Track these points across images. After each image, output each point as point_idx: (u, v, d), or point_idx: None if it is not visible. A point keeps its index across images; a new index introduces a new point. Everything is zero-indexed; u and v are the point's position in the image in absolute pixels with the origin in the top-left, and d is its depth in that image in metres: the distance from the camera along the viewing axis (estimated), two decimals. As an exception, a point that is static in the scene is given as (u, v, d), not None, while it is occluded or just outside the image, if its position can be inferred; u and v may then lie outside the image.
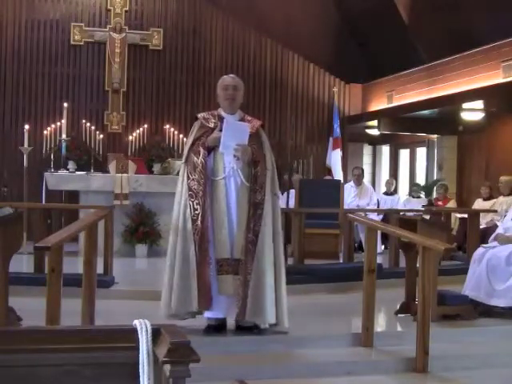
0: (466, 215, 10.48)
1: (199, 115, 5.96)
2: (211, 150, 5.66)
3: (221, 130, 5.63)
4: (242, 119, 5.85)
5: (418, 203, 12.47)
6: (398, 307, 6.79)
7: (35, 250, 6.46)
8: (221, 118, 5.79)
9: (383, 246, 11.68)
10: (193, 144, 5.73)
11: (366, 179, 14.52)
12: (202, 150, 5.64)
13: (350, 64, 14.99)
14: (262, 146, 5.78)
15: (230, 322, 5.77)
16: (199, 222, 5.52)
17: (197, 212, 5.54)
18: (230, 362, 5.19)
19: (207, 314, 5.70)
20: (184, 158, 5.77)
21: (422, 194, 13.25)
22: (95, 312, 5.64)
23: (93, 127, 12.65)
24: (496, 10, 11.43)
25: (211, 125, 5.78)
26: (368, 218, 7.15)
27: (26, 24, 13.17)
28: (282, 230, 5.90)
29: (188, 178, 5.62)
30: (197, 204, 5.55)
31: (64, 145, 11.74)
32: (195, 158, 5.64)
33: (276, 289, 5.62)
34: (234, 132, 5.59)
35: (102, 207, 7.94)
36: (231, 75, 6.10)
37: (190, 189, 5.58)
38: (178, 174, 10.82)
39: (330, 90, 14.55)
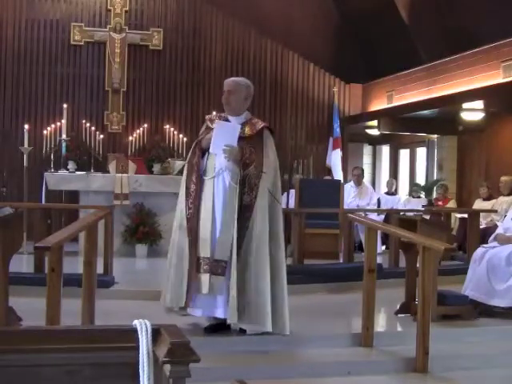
0: (466, 215, 10.48)
1: (206, 116, 6.15)
2: (206, 150, 5.77)
3: None
4: (247, 122, 5.85)
5: (418, 203, 12.48)
6: (398, 307, 6.79)
7: (35, 249, 6.47)
8: (226, 120, 5.88)
9: (384, 246, 11.67)
10: (195, 145, 5.87)
11: (366, 179, 14.52)
12: (197, 151, 5.80)
13: (350, 64, 14.99)
14: (264, 149, 5.76)
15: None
16: (193, 220, 5.64)
17: (191, 211, 5.67)
18: (230, 362, 5.19)
19: (190, 311, 5.74)
20: (187, 158, 5.93)
21: (422, 194, 13.26)
22: (95, 312, 5.64)
23: (93, 127, 12.63)
24: (496, 10, 11.42)
25: (213, 126, 5.84)
26: (368, 218, 7.15)
27: (26, 24, 13.17)
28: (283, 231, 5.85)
29: (187, 177, 5.78)
30: (191, 203, 5.68)
31: (64, 145, 11.74)
32: (192, 158, 5.81)
33: (274, 294, 5.54)
34: (224, 133, 5.69)
35: (101, 207, 7.93)
36: (232, 78, 6.08)
37: (187, 188, 5.74)
38: (178, 174, 11.03)
39: (330, 90, 14.55)
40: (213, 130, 5.74)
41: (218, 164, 5.70)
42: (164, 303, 5.75)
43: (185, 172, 5.86)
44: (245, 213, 5.55)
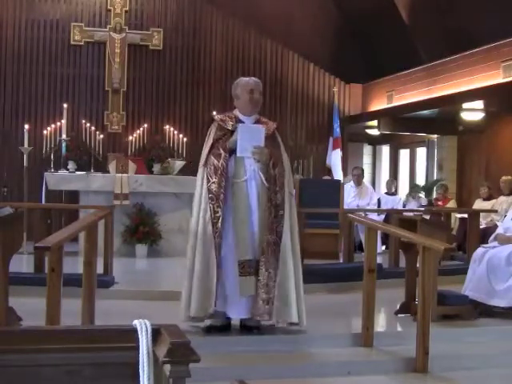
0: (466, 215, 10.48)
1: (216, 117, 5.97)
2: (232, 152, 5.65)
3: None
4: (258, 121, 5.87)
5: (418, 203, 12.49)
6: (398, 307, 6.78)
7: (35, 249, 6.47)
8: (238, 120, 5.80)
9: (384, 246, 11.67)
10: (212, 147, 5.71)
11: (366, 179, 14.51)
12: (222, 153, 5.63)
13: (350, 64, 14.99)
14: (279, 148, 5.83)
15: (234, 322, 5.78)
16: (219, 224, 5.50)
17: (217, 215, 5.51)
18: (230, 362, 5.18)
19: (229, 315, 5.69)
20: (203, 160, 5.71)
21: (422, 194, 13.26)
22: (95, 312, 5.64)
23: (93, 127, 12.65)
24: (496, 10, 11.42)
25: (229, 127, 5.76)
26: (368, 218, 7.15)
27: (26, 24, 13.18)
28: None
29: (208, 180, 5.59)
30: (217, 207, 5.53)
31: (64, 145, 11.74)
32: (215, 161, 5.62)
33: (296, 288, 5.65)
34: (250, 135, 5.63)
35: (102, 207, 7.94)
36: (254, 78, 6.00)
37: (210, 192, 5.56)
38: (178, 173, 11.04)
39: (330, 90, 14.55)
40: (236, 133, 5.62)
41: (249, 166, 5.65)
42: (187, 313, 5.54)
43: (203, 175, 5.65)
44: (278, 211, 5.58)
